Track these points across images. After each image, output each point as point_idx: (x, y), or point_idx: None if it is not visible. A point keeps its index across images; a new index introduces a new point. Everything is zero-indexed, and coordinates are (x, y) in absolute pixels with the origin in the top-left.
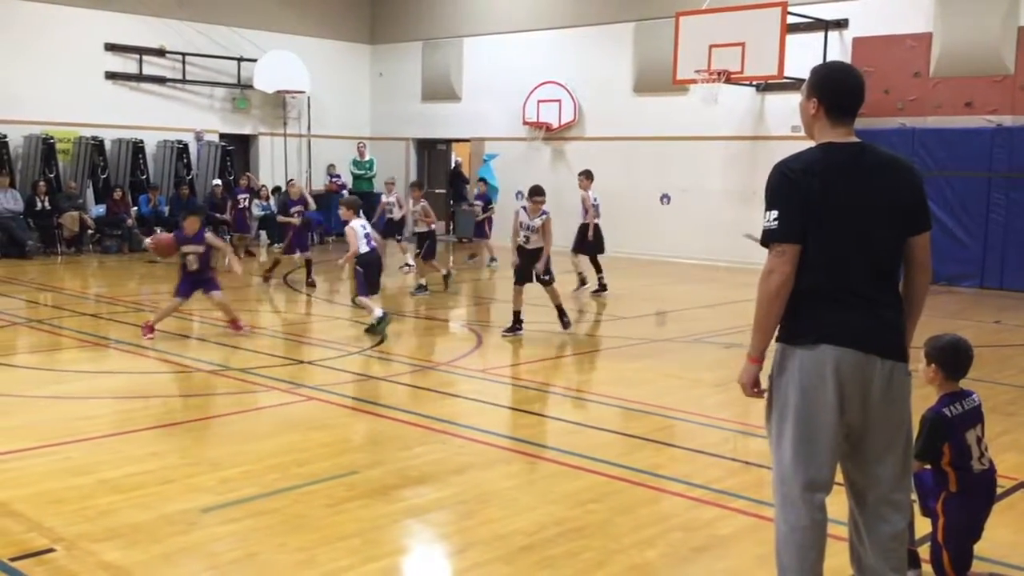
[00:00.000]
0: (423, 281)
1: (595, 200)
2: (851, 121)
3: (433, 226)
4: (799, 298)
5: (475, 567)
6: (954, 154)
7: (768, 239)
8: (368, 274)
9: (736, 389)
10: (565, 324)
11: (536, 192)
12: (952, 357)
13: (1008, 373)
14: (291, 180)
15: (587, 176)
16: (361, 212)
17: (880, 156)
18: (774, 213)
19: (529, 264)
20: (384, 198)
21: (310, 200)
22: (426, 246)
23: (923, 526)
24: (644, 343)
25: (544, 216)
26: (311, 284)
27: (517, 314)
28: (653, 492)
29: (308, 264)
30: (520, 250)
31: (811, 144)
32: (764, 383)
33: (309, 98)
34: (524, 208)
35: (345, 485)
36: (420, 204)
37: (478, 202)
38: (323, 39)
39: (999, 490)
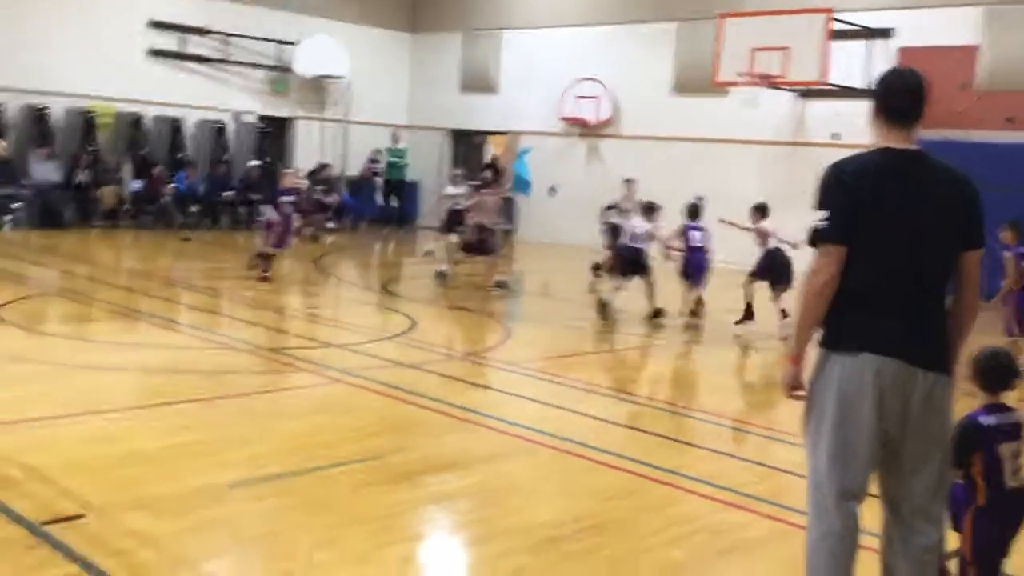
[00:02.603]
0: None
1: None
2: (908, 126)
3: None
4: (843, 303)
5: (497, 556)
6: (996, 168)
7: (816, 238)
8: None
9: (765, 393)
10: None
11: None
12: (989, 369)
13: None
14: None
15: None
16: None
17: (937, 166)
18: (824, 213)
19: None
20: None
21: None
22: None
23: (951, 541)
24: (676, 344)
25: None
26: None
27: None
28: (678, 492)
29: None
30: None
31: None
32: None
33: (348, 84)
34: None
35: (369, 469)
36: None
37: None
38: (364, 26)
39: None
